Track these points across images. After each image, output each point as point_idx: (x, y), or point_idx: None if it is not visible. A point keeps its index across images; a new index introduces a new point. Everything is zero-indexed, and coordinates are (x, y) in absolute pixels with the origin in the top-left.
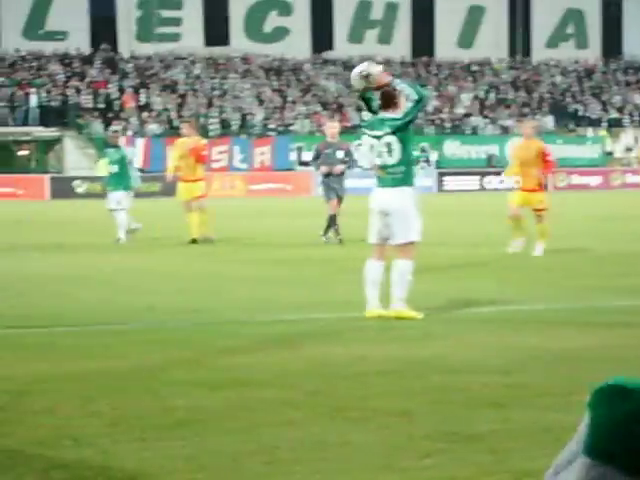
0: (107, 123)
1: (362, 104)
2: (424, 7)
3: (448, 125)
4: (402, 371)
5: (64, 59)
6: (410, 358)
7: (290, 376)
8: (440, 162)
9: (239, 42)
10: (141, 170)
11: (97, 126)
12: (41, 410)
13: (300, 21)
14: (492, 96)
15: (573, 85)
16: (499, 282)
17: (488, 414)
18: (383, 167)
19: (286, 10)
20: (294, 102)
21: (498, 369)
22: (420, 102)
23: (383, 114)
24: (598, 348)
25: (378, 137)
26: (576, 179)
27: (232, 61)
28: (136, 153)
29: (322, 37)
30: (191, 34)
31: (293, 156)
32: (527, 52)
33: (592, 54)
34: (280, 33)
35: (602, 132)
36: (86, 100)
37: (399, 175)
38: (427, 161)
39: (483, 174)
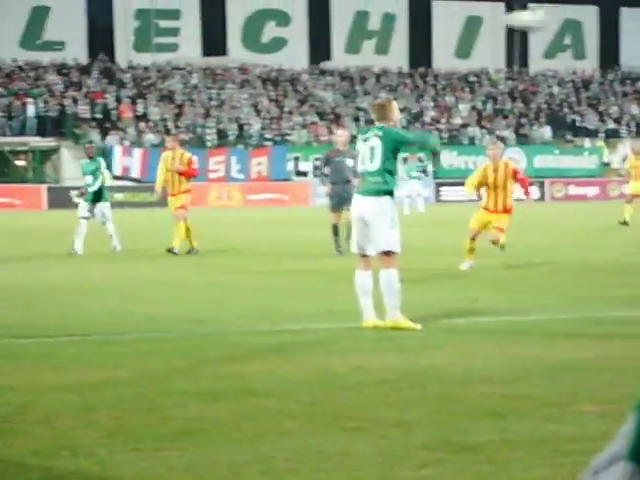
0: (104, 133)
1: None
2: (421, 18)
3: (445, 135)
4: (400, 381)
5: (61, 69)
6: (408, 368)
7: (288, 386)
8: (437, 172)
9: (237, 52)
10: (138, 180)
11: (94, 136)
12: (39, 420)
13: (298, 31)
14: (489, 107)
15: (570, 96)
16: (497, 292)
17: (486, 424)
18: (364, 173)
19: (284, 20)
20: (291, 112)
21: (497, 379)
22: (426, 149)
23: (378, 124)
24: (597, 359)
25: (365, 140)
26: (573, 190)
27: (230, 71)
28: (133, 163)
29: (320, 47)
30: (189, 44)
31: (290, 166)
32: (524, 63)
33: (590, 65)
34: (278, 43)
35: (599, 143)
36: (83, 110)
37: (378, 184)
38: (424, 171)
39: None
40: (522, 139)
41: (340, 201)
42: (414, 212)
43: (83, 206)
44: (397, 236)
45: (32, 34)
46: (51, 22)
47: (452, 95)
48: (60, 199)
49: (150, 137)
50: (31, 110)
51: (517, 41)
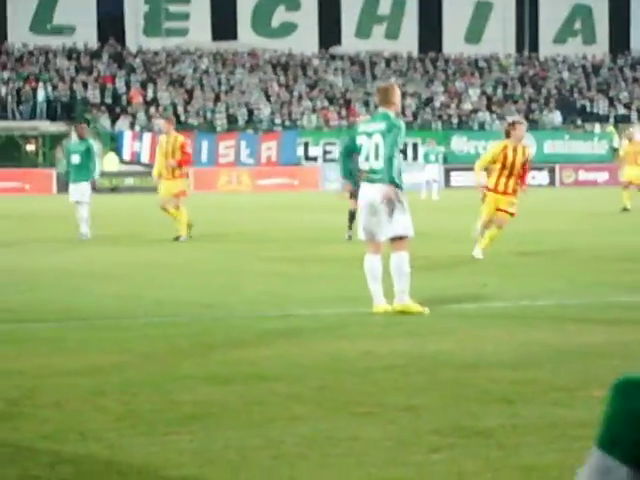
0: (114, 118)
1: None
2: (431, 2)
3: (455, 121)
4: (409, 366)
5: (71, 54)
6: (418, 353)
7: (297, 371)
8: (447, 158)
9: (247, 37)
10: (148, 165)
11: (104, 121)
12: (48, 404)
13: (308, 16)
14: (499, 92)
15: (580, 81)
16: (506, 278)
17: (496, 409)
18: (370, 170)
19: (294, 5)
20: (301, 97)
21: (506, 364)
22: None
23: (382, 109)
24: (607, 344)
25: (369, 134)
26: (583, 175)
27: (239, 56)
28: (143, 148)
29: (329, 32)
30: (198, 29)
31: (300, 151)
32: (534, 48)
33: (600, 50)
34: (288, 28)
35: (609, 128)
36: (93, 95)
37: (384, 180)
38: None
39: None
40: (532, 124)
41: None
42: (429, 198)
43: (72, 189)
44: (410, 220)
45: (42, 19)
46: (61, 7)
47: (462, 80)
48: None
49: (160, 122)
50: (41, 95)
51: (527, 26)
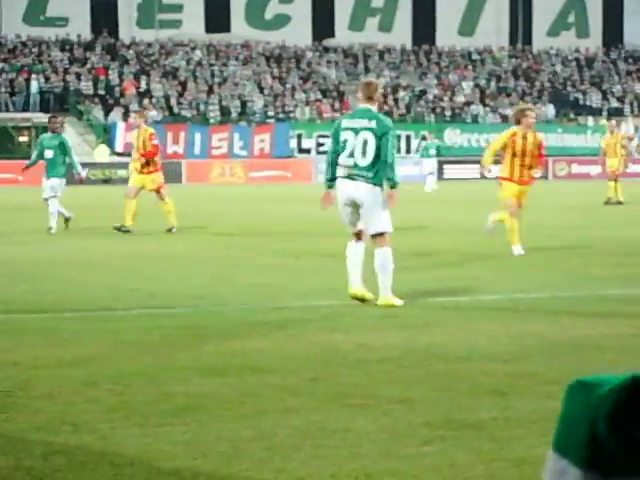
0: (107, 109)
1: None
2: None
3: (448, 113)
4: (403, 358)
5: (65, 45)
6: (411, 346)
7: (290, 363)
8: (440, 150)
9: (240, 29)
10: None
11: (97, 112)
12: (42, 395)
13: (301, 8)
14: (493, 84)
15: (574, 74)
16: (501, 270)
17: (489, 402)
18: (354, 166)
19: None
20: (294, 89)
21: (499, 357)
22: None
23: (365, 105)
24: (601, 337)
25: (356, 131)
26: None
27: (233, 48)
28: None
29: (323, 24)
30: (192, 21)
31: (293, 143)
32: (528, 41)
33: (593, 43)
34: (281, 20)
35: (602, 121)
36: (86, 86)
37: (369, 179)
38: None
39: None
40: None
41: None
42: (426, 189)
43: (46, 184)
44: (388, 216)
45: (35, 10)
46: None
47: (455, 73)
48: None
49: (153, 114)
50: (34, 86)
51: (521, 19)
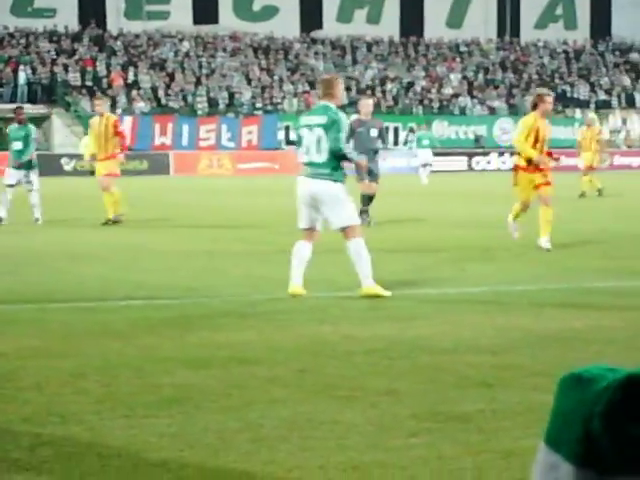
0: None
1: None
2: None
3: (436, 105)
4: (390, 350)
5: (52, 36)
6: (398, 338)
7: (278, 354)
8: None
9: (228, 20)
10: (128, 148)
11: (85, 104)
12: (29, 387)
13: (289, 0)
14: (480, 77)
15: (561, 66)
16: (487, 262)
17: (475, 394)
18: (310, 163)
19: None
20: (282, 81)
21: (486, 349)
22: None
23: (322, 102)
24: (587, 329)
25: (310, 127)
26: (564, 160)
27: (220, 39)
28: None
29: (311, 16)
30: (180, 12)
31: (281, 135)
32: (516, 33)
33: (581, 35)
34: (269, 12)
35: (590, 114)
36: (74, 78)
37: (325, 175)
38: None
39: (471, 155)
40: (513, 109)
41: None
42: (422, 182)
43: (11, 173)
44: (352, 209)
45: (23, 1)
46: None
47: (443, 65)
48: (51, 167)
49: (141, 105)
50: (22, 77)
51: (508, 11)
